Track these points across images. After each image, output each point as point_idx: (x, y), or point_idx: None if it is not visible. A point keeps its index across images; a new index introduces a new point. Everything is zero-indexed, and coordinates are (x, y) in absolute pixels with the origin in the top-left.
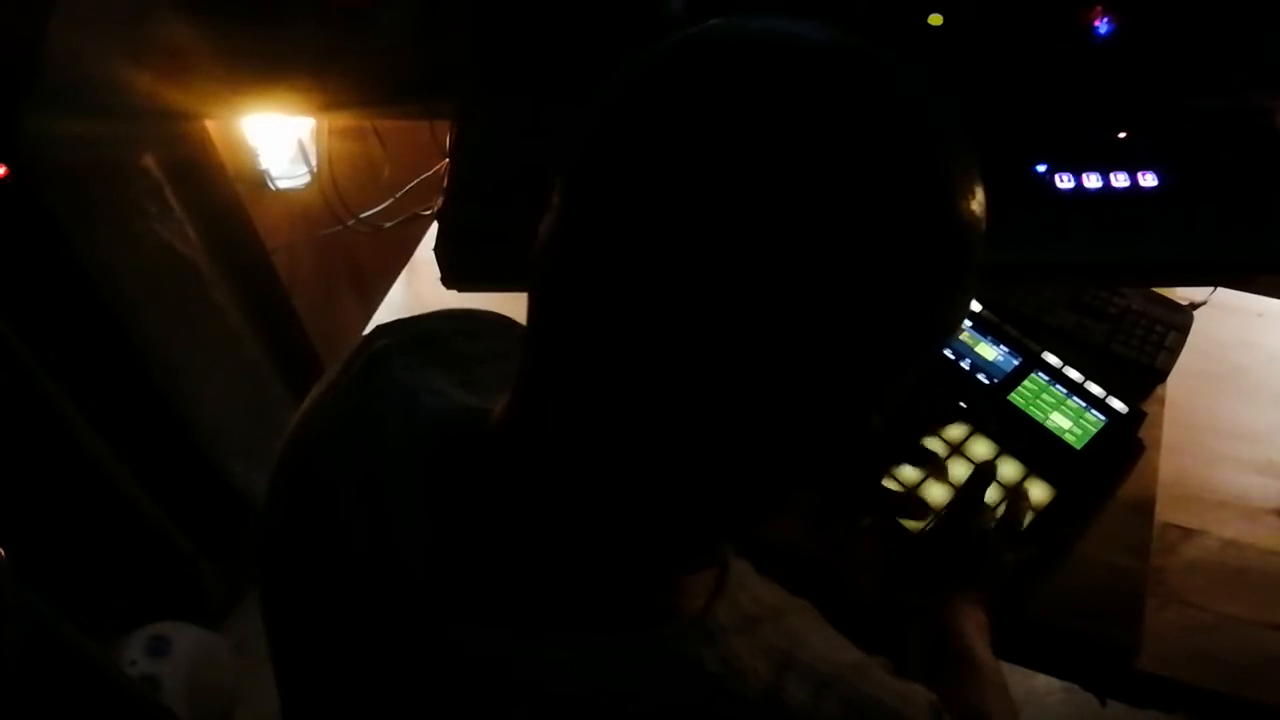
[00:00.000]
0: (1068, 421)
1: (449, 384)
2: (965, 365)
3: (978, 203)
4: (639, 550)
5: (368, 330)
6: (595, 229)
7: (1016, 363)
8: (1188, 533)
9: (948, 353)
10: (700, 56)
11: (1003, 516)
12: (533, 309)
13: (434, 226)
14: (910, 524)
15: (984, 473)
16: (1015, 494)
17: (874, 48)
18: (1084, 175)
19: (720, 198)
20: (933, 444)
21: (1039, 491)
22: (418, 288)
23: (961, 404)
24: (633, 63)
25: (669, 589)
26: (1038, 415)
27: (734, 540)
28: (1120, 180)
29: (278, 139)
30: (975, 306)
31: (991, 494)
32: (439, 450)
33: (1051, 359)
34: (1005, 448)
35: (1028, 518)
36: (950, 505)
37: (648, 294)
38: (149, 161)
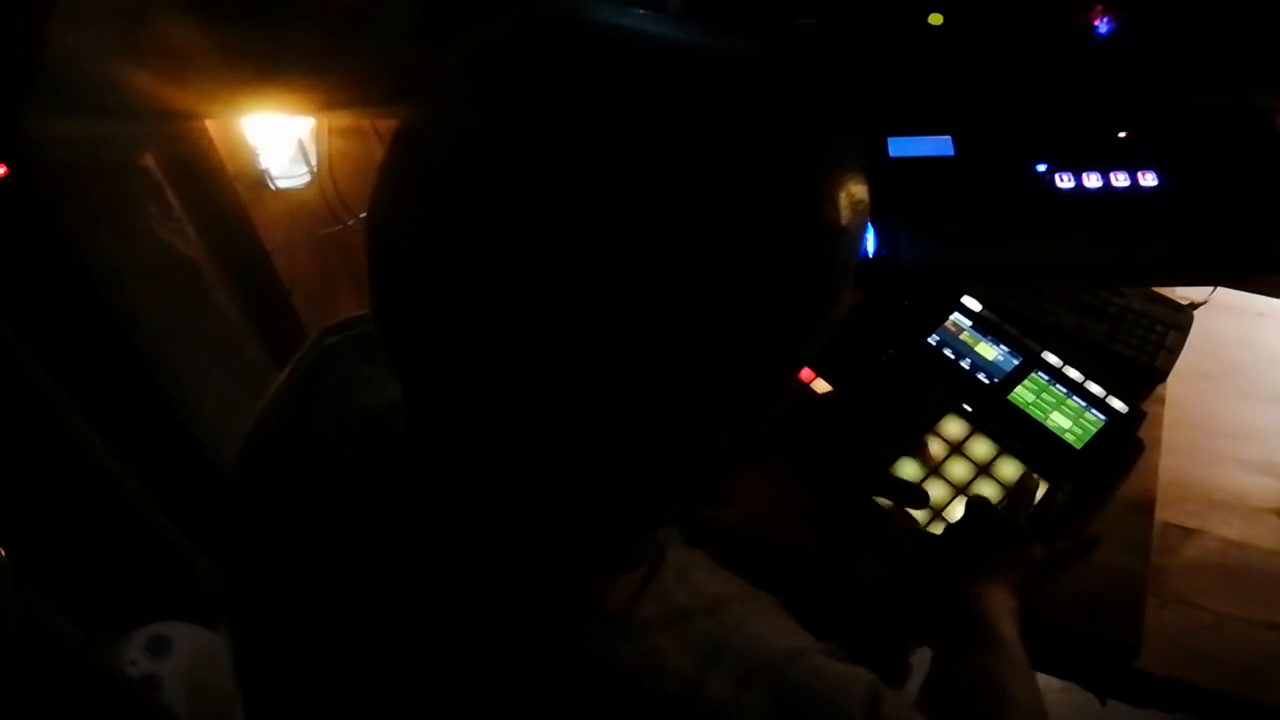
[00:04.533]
0: (1068, 421)
1: (392, 380)
2: (965, 365)
3: (840, 206)
4: (537, 550)
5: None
6: (417, 231)
7: (1016, 363)
8: (1188, 533)
9: (948, 352)
10: (537, 46)
11: (1018, 509)
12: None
13: None
14: (916, 514)
15: (978, 508)
16: (1021, 487)
17: (743, 46)
18: (1084, 175)
19: (550, 198)
20: (933, 445)
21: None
22: None
23: (964, 404)
24: (465, 48)
25: (587, 588)
26: (1038, 415)
27: (636, 538)
28: (1120, 180)
29: (278, 139)
30: (975, 306)
31: (991, 493)
32: (367, 450)
33: (1051, 359)
34: (1005, 447)
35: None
36: (949, 530)
37: (478, 299)
38: (149, 161)
